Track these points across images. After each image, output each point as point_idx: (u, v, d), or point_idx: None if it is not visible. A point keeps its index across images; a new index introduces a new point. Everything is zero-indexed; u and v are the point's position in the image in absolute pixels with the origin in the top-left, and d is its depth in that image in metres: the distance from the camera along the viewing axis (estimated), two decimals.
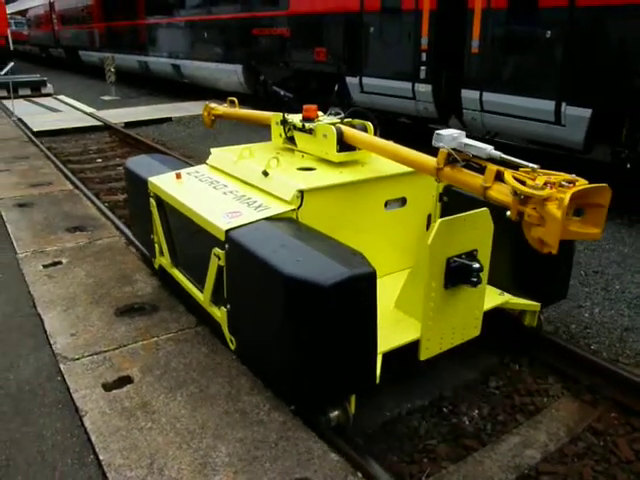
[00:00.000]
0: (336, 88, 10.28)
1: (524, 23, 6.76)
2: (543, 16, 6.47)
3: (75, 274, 4.45)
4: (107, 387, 3.05)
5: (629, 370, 3.47)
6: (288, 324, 2.65)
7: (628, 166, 6.24)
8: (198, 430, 2.72)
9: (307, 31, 10.68)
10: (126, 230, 5.46)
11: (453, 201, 3.70)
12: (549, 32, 6.40)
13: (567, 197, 2.31)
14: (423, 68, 8.17)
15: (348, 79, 9.73)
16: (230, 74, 13.68)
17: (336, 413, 2.80)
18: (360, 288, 2.56)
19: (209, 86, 14.72)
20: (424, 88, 8.24)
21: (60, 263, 4.66)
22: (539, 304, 3.60)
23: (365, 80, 9.32)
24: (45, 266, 4.60)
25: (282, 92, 11.55)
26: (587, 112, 6.13)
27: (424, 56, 8.15)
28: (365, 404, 3.30)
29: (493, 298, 3.50)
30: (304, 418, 2.84)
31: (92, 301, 4.01)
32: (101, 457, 2.57)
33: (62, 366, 3.25)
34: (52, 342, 3.50)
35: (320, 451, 2.60)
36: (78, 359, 3.32)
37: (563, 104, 6.35)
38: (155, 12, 17.67)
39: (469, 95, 7.51)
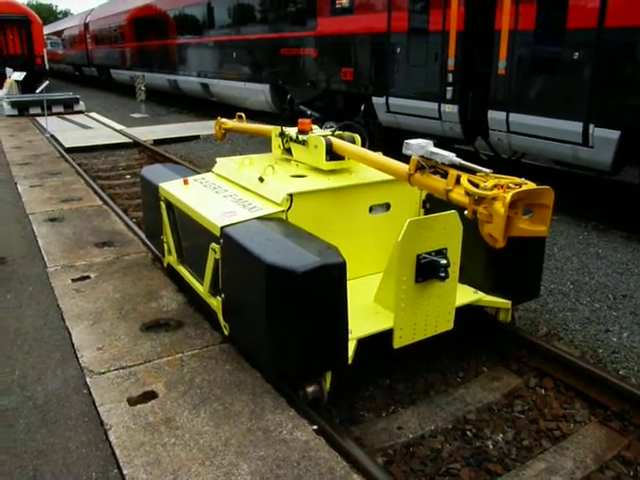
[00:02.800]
0: (362, 108, 10.35)
1: (551, 44, 6.75)
2: (571, 37, 6.45)
3: (103, 289, 4.52)
4: (132, 402, 3.09)
5: None
6: (269, 306, 2.99)
7: None
8: (221, 447, 2.74)
9: (334, 51, 10.79)
10: (152, 246, 5.54)
11: (435, 207, 3.91)
12: (577, 53, 6.37)
13: (509, 196, 2.63)
14: (449, 89, 8.19)
15: (374, 99, 9.79)
16: (257, 93, 13.87)
17: (312, 389, 3.11)
18: (330, 275, 2.89)
19: (237, 105, 14.93)
20: (450, 108, 8.25)
21: (88, 277, 4.75)
22: (510, 302, 3.88)
23: (391, 100, 9.37)
24: (74, 280, 4.69)
25: (309, 112, 11.65)
26: (615, 134, 6.07)
27: (450, 77, 8.17)
28: (386, 424, 3.29)
29: (467, 295, 3.80)
30: (327, 438, 2.84)
31: (119, 316, 4.07)
32: (125, 471, 2.59)
33: (88, 379, 3.30)
34: (79, 355, 3.56)
35: (342, 472, 2.58)
36: (104, 373, 3.36)
37: (591, 126, 6.30)
38: (185, 32, 18.07)
39: (495, 116, 7.49)
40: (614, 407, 3.38)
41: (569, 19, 6.39)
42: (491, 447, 3.15)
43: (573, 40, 6.42)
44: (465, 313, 3.73)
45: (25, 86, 19.98)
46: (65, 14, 72.26)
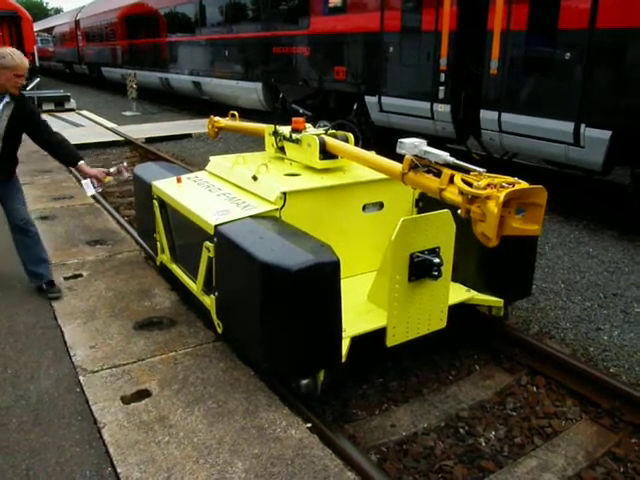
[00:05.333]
0: (355, 107, 10.36)
1: (543, 45, 6.78)
2: (562, 38, 6.48)
3: (95, 287, 4.51)
4: (125, 400, 3.08)
5: None
6: (262, 304, 3.00)
7: None
8: (215, 445, 2.74)
9: (327, 50, 10.79)
10: (145, 244, 5.52)
11: (428, 206, 3.93)
12: (568, 54, 6.41)
13: (502, 195, 2.64)
14: (442, 88, 8.21)
15: (367, 98, 9.80)
16: (250, 92, 13.84)
17: (306, 382, 3.16)
18: (324, 273, 2.90)
19: (229, 103, 14.90)
20: (443, 108, 8.27)
21: (81, 276, 4.73)
22: (502, 300, 3.91)
23: (384, 99, 9.38)
24: (66, 278, 4.67)
25: (301, 110, 11.65)
26: (607, 134, 6.12)
27: (443, 76, 8.19)
28: (380, 422, 3.31)
29: (459, 294, 3.83)
30: (321, 436, 2.85)
31: (111, 314, 4.06)
32: (119, 470, 2.59)
33: (81, 378, 3.29)
34: (72, 354, 3.55)
35: (336, 469, 2.59)
36: (97, 372, 3.36)
37: (582, 126, 6.34)
38: (177, 30, 18.00)
39: (487, 116, 7.52)
40: (605, 404, 3.41)
41: (561, 20, 6.43)
42: (483, 444, 3.17)
43: (565, 41, 6.45)
44: (458, 311, 3.75)
45: None
46: (57, 11, 71.71)
